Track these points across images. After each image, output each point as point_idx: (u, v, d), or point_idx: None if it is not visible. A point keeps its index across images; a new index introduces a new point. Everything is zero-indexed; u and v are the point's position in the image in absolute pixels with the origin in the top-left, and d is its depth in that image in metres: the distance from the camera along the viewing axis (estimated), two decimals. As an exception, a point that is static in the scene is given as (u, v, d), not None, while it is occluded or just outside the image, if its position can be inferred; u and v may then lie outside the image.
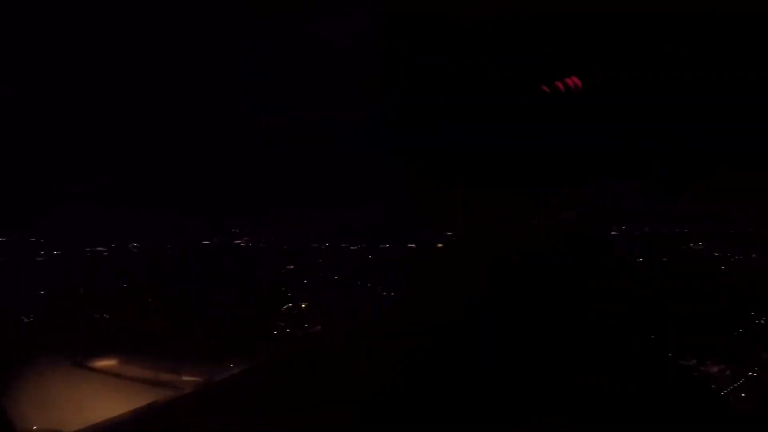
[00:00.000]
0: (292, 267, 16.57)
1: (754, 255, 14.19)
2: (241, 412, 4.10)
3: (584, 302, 4.29)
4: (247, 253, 17.96)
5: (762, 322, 11.68)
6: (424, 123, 3.99)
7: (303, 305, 14.06)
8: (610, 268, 5.00)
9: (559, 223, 5.02)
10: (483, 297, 4.27)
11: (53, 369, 5.40)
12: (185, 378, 5.60)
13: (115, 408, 4.43)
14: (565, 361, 3.99)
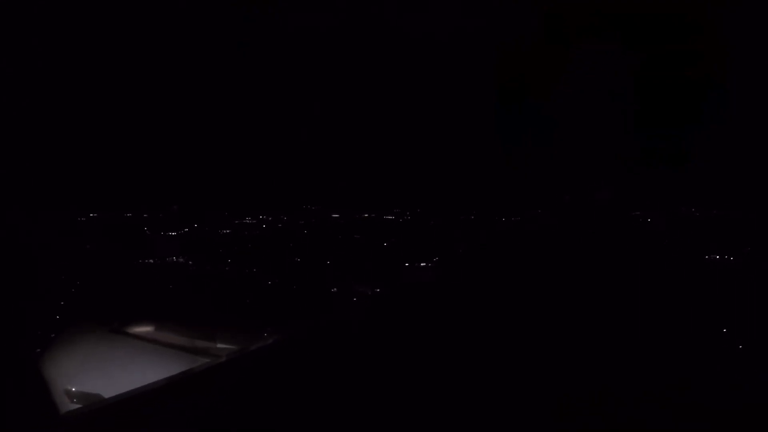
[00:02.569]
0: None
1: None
2: (272, 383, 4.04)
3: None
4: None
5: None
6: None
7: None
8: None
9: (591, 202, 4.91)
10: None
11: (92, 334, 5.46)
12: (220, 345, 5.58)
13: (150, 374, 4.44)
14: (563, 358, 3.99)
